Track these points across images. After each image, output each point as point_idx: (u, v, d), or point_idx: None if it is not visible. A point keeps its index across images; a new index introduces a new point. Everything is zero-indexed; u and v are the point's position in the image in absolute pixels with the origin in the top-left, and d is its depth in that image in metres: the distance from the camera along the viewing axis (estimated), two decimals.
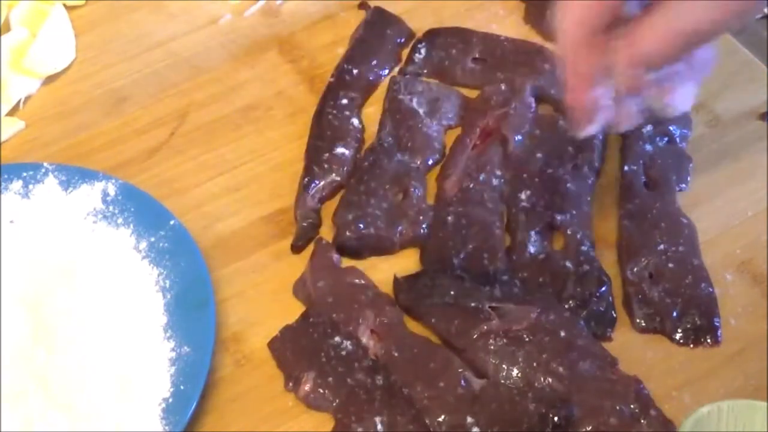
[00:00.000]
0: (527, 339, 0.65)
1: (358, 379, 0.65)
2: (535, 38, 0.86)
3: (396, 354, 0.66)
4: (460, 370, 0.65)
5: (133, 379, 0.63)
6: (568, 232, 0.72)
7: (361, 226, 0.72)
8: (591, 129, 0.64)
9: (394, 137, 0.78)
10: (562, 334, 0.66)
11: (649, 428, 0.62)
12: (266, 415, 0.65)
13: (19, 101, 0.82)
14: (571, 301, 0.69)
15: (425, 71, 0.84)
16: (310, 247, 0.72)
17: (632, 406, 0.63)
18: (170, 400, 0.63)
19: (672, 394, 0.65)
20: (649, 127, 0.78)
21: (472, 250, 0.71)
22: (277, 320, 0.68)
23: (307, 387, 0.64)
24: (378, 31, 0.85)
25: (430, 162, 0.77)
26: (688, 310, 0.68)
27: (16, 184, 0.73)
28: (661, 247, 0.71)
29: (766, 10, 0.89)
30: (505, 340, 0.66)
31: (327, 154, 0.76)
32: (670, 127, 0.78)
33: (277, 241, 0.73)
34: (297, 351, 0.67)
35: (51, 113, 0.82)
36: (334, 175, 0.76)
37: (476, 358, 0.65)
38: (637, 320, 0.68)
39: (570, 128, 0.66)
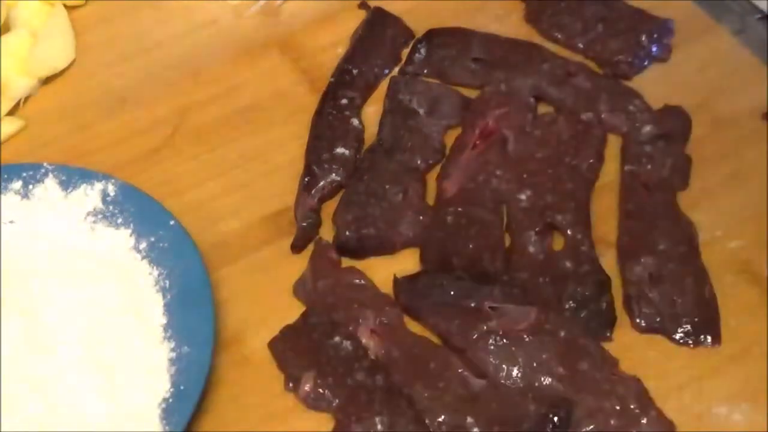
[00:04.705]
0: (527, 339, 0.65)
1: (358, 379, 0.64)
2: (535, 38, 0.86)
3: (396, 354, 0.66)
4: (460, 370, 0.65)
5: (133, 379, 0.63)
6: (568, 232, 0.72)
7: (361, 226, 0.72)
8: None
9: (394, 137, 0.78)
10: (562, 334, 0.66)
11: (649, 428, 0.62)
12: (266, 415, 0.65)
13: (19, 101, 0.82)
14: (571, 301, 0.69)
15: (425, 71, 0.84)
16: (310, 247, 0.72)
17: (632, 406, 0.63)
18: (170, 400, 0.63)
19: (672, 394, 0.65)
20: (648, 127, 0.78)
21: (472, 250, 0.71)
22: (277, 320, 0.68)
23: (307, 387, 0.64)
24: (378, 31, 0.85)
25: (430, 162, 0.77)
26: (688, 310, 0.68)
27: (16, 184, 0.73)
28: (661, 247, 0.71)
29: (766, 10, 0.89)
30: (505, 340, 0.66)
31: (327, 154, 0.76)
32: (670, 127, 0.78)
33: (277, 241, 0.73)
34: (297, 351, 0.67)
35: (51, 113, 0.82)
36: (334, 175, 0.76)
37: (476, 358, 0.65)
38: (637, 320, 0.68)
39: None
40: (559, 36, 0.86)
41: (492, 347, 0.65)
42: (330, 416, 0.64)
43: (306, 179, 0.75)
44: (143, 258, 0.70)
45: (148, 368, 0.64)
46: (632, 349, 0.67)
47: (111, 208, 0.72)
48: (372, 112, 0.81)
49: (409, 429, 0.62)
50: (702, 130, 0.79)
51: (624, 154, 0.77)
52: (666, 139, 0.77)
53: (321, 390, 0.64)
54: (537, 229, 0.72)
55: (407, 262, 0.72)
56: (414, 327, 0.68)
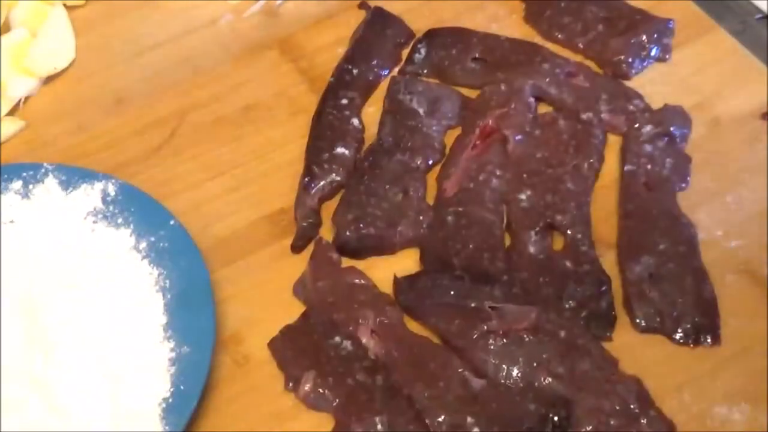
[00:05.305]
0: (527, 339, 0.65)
1: (358, 379, 0.65)
2: (535, 38, 0.86)
3: (396, 354, 0.66)
4: (460, 370, 0.65)
5: (133, 379, 0.63)
6: (568, 232, 0.72)
7: (361, 226, 0.72)
8: None
9: (394, 137, 0.78)
10: (562, 334, 0.66)
11: (649, 428, 0.62)
12: (266, 415, 0.65)
13: (19, 101, 0.82)
14: (571, 301, 0.69)
15: (425, 71, 0.84)
16: (310, 247, 0.72)
17: (632, 406, 0.63)
18: (170, 400, 0.63)
19: (672, 394, 0.65)
20: (649, 127, 0.78)
21: (472, 250, 0.71)
22: (277, 320, 0.68)
23: (307, 387, 0.64)
24: (378, 31, 0.85)
25: (430, 162, 0.77)
26: (688, 310, 0.68)
27: (16, 184, 0.73)
28: (661, 247, 0.71)
29: (766, 10, 0.89)
30: (505, 340, 0.66)
31: (327, 154, 0.76)
32: (670, 127, 0.78)
33: (277, 241, 0.73)
34: (297, 351, 0.67)
35: (51, 113, 0.82)
36: (334, 175, 0.76)
37: (476, 358, 0.65)
38: (637, 320, 0.68)
39: None
40: (559, 36, 0.86)
41: (492, 347, 0.65)
42: (330, 416, 0.64)
43: (306, 179, 0.75)
44: (143, 258, 0.70)
45: (148, 368, 0.64)
46: (632, 349, 0.67)
47: (111, 208, 0.72)
48: (372, 112, 0.81)
49: (409, 429, 0.62)
50: (702, 130, 0.79)
51: (624, 154, 0.77)
52: (666, 139, 0.77)
53: (321, 390, 0.64)
54: (537, 229, 0.72)
55: (407, 262, 0.72)
56: (414, 327, 0.68)
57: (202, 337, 0.65)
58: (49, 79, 0.84)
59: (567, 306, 0.68)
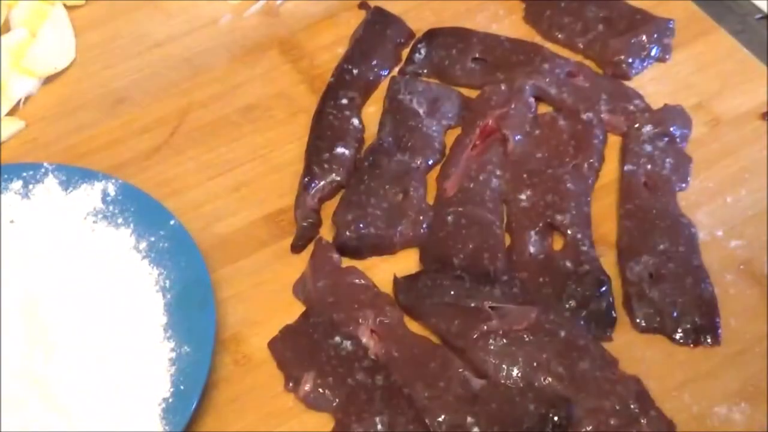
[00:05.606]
0: (527, 339, 0.65)
1: (358, 379, 0.65)
2: (535, 38, 0.86)
3: (396, 354, 0.66)
4: (460, 370, 0.65)
5: (133, 379, 0.63)
6: (568, 232, 0.72)
7: (361, 226, 0.72)
8: None
9: (394, 137, 0.78)
10: (562, 334, 0.66)
11: (649, 428, 0.62)
12: (266, 415, 0.65)
13: (19, 101, 0.82)
14: (571, 301, 0.69)
15: (425, 71, 0.84)
16: (310, 247, 0.72)
17: (632, 406, 0.63)
18: (170, 400, 0.63)
19: (672, 394, 0.65)
20: (649, 127, 0.78)
21: (472, 250, 0.71)
22: (277, 320, 0.68)
23: (307, 387, 0.64)
24: (378, 31, 0.85)
25: (430, 162, 0.77)
26: (688, 310, 0.68)
27: (16, 184, 0.73)
28: (661, 247, 0.71)
29: (766, 10, 0.89)
30: (505, 340, 0.66)
31: (327, 154, 0.76)
32: (670, 127, 0.78)
33: (277, 241, 0.73)
34: (297, 351, 0.67)
35: (51, 113, 0.82)
36: (334, 175, 0.76)
37: (476, 358, 0.65)
38: (637, 320, 0.68)
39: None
40: (559, 36, 0.86)
41: (492, 347, 0.65)
42: (330, 416, 0.64)
43: (306, 179, 0.75)
44: (143, 258, 0.70)
45: (148, 368, 0.64)
46: (632, 349, 0.67)
47: (111, 207, 0.72)
48: (372, 112, 0.81)
49: (409, 429, 0.62)
50: (702, 130, 0.79)
51: (624, 154, 0.77)
52: (666, 139, 0.77)
53: (321, 390, 0.64)
54: (537, 229, 0.72)
55: (407, 262, 0.72)
56: (414, 327, 0.68)
57: (202, 337, 0.65)
58: (49, 79, 0.84)
59: (567, 306, 0.68)
